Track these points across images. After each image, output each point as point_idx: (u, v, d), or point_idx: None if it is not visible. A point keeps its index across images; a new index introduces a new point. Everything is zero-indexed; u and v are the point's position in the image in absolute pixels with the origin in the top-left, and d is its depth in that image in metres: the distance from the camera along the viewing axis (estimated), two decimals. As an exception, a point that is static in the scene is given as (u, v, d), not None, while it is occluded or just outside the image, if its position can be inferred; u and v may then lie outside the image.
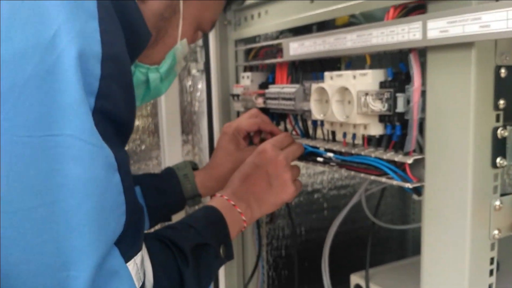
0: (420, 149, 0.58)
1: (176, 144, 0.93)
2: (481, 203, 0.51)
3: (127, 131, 0.47)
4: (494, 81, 0.50)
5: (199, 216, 0.63)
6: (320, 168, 1.18)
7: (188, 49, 0.66)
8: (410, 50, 0.54)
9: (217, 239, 0.61)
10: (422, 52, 0.55)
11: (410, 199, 1.25)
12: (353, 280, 0.78)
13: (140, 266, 0.46)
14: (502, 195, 0.53)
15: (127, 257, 0.44)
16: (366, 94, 0.57)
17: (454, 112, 0.51)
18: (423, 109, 0.55)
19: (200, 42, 0.96)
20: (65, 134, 0.39)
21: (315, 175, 1.15)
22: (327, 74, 0.65)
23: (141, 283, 0.46)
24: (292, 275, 1.16)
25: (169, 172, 0.79)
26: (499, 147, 0.51)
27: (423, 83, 0.54)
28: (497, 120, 0.51)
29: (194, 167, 0.81)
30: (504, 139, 0.51)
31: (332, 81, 0.64)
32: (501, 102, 0.51)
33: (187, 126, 0.96)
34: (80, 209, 0.39)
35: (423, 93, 0.55)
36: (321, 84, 0.64)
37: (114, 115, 0.43)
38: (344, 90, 0.61)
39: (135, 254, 0.46)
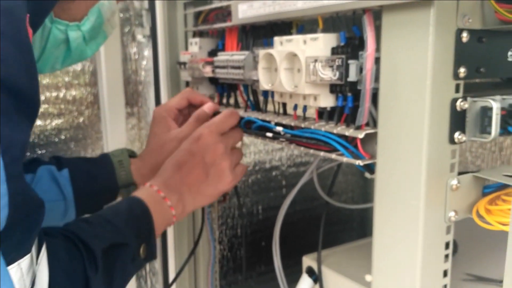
0: (375, 123, 0.53)
1: (120, 117, 0.85)
2: (437, 183, 0.46)
3: (28, 102, 0.38)
4: (455, 46, 0.45)
5: (120, 209, 0.56)
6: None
7: (116, 5, 0.58)
8: (364, 11, 0.49)
9: (138, 238, 0.54)
10: (377, 15, 0.49)
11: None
12: (305, 262, 0.73)
13: (26, 271, 0.39)
14: (460, 173, 0.49)
15: (10, 259, 0.36)
16: (315, 60, 0.51)
17: (409, 81, 0.45)
18: (377, 78, 0.49)
19: (146, 4, 0.88)
20: None
21: (273, 151, 1.09)
22: (276, 39, 0.58)
23: None
24: (248, 255, 1.11)
25: (103, 157, 0.72)
26: (458, 120, 0.46)
27: (378, 49, 0.49)
28: (457, 90, 0.46)
29: (132, 154, 0.74)
30: (463, 111, 0.46)
31: (282, 46, 0.58)
32: (462, 70, 0.45)
33: (132, 97, 0.89)
34: None
35: (378, 61, 0.49)
36: (269, 50, 0.58)
37: (6, 81, 0.35)
38: (293, 57, 0.54)
39: (21, 256, 0.38)
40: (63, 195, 0.66)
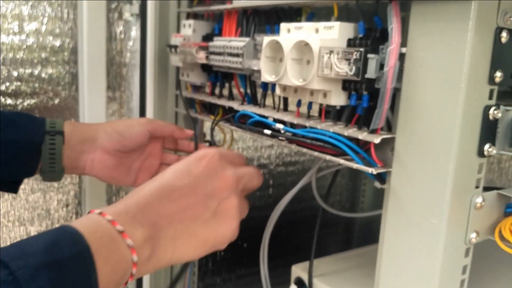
0: (389, 127, 0.47)
1: (100, 101, 0.77)
2: (461, 200, 0.41)
3: None
4: (493, 47, 0.39)
5: (36, 243, 0.34)
6: (268, 141, 1.07)
7: None
8: (390, 0, 0.43)
9: None
10: (404, 6, 0.43)
11: (360, 183, 1.17)
12: (294, 273, 0.68)
13: None
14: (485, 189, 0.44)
15: None
16: (331, 52, 0.44)
17: (439, 82, 0.40)
18: (399, 77, 0.43)
19: (136, -21, 0.80)
20: None
21: (262, 148, 1.03)
22: (283, 25, 0.52)
23: None
24: (228, 256, 1.05)
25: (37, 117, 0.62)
26: (489, 131, 0.41)
27: (403, 44, 0.43)
28: (490, 97, 0.41)
29: None
30: (495, 121, 0.41)
31: (290, 34, 0.51)
32: (498, 74, 0.40)
33: (114, 80, 0.81)
34: None
35: (401, 57, 0.43)
36: (275, 37, 0.51)
37: None
38: (303, 46, 0.48)
39: None
40: None
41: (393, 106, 0.45)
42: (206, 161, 0.46)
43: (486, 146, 0.41)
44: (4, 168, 0.57)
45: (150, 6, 0.77)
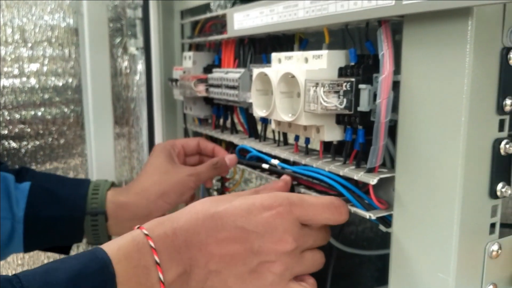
0: (393, 162, 0.42)
1: (107, 138, 0.76)
2: (472, 249, 0.35)
3: None
4: (500, 70, 0.34)
5: (64, 272, 0.35)
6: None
7: None
8: (379, 23, 0.38)
9: None
10: (398, 27, 0.38)
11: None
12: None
13: None
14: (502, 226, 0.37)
15: None
16: (317, 84, 0.40)
17: (438, 114, 0.35)
18: (395, 107, 0.39)
19: (139, 13, 0.79)
20: None
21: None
22: (274, 55, 0.48)
23: None
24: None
25: (82, 180, 0.61)
26: (501, 168, 0.35)
27: (397, 71, 0.38)
28: (501, 128, 0.35)
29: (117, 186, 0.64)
30: (509, 156, 0.35)
31: (280, 64, 0.47)
32: (508, 102, 0.34)
33: (122, 116, 0.79)
34: None
35: (397, 86, 0.38)
36: (263, 69, 0.47)
37: None
38: (290, 78, 0.44)
39: None
40: (11, 212, 0.54)
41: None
42: (272, 215, 0.40)
43: (499, 186, 0.35)
44: (50, 239, 0.58)
45: (154, 39, 0.75)
